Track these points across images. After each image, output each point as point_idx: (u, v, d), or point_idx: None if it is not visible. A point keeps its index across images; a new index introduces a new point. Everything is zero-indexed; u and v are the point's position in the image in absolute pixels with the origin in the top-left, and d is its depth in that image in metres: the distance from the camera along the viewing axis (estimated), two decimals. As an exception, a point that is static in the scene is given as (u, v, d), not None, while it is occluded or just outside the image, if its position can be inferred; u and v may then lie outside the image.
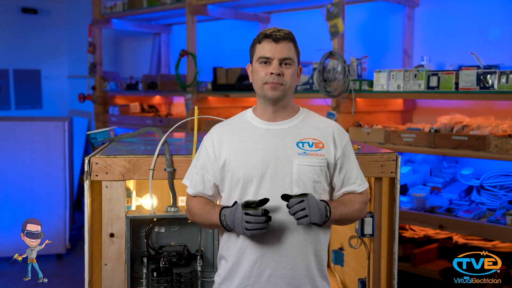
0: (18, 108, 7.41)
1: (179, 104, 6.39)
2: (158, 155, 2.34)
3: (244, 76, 4.81)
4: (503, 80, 3.22)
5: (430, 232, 4.03)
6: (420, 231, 4.08)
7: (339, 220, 1.90)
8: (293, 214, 1.77)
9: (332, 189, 1.98)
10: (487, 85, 3.28)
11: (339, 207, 1.88)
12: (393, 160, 2.40)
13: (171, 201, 2.40)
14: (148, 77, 5.90)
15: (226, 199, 1.94)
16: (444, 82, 3.47)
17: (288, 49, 1.89)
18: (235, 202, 1.87)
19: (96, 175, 2.30)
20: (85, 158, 2.29)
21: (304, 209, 1.75)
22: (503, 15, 3.94)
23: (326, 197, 1.94)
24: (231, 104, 5.32)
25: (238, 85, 4.78)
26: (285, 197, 1.79)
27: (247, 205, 1.77)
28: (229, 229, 1.85)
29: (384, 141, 3.77)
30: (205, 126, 4.93)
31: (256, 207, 1.76)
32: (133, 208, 2.85)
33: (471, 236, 3.79)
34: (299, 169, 1.87)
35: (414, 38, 4.38)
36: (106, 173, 2.30)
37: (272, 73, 1.87)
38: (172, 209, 2.38)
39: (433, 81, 3.52)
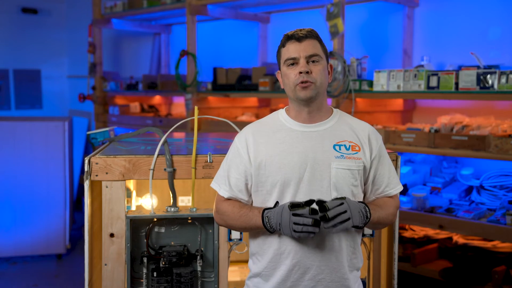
0: (18, 108, 7.42)
1: (179, 104, 6.39)
2: (158, 155, 2.34)
3: (244, 76, 4.81)
4: (503, 80, 3.22)
5: (430, 232, 4.03)
6: (420, 231, 4.08)
7: (377, 222, 1.85)
8: (333, 218, 1.68)
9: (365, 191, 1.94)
10: (487, 85, 3.28)
11: (377, 209, 1.83)
12: (393, 160, 2.40)
13: (171, 201, 2.40)
14: (148, 77, 5.90)
15: (261, 203, 1.89)
16: (444, 82, 3.47)
17: (313, 46, 1.84)
18: (277, 203, 1.82)
19: (96, 175, 2.30)
20: (85, 158, 2.29)
21: (345, 211, 1.68)
22: (503, 15, 3.94)
23: (361, 200, 1.91)
24: (231, 104, 5.32)
25: (238, 85, 4.78)
26: (320, 203, 1.71)
27: (294, 205, 1.71)
28: (272, 231, 1.80)
29: (384, 141, 3.76)
30: (205, 126, 4.93)
31: (304, 206, 1.70)
32: (133, 208, 2.85)
33: (471, 236, 3.79)
34: (337, 173, 1.82)
35: (414, 38, 4.38)
36: (106, 173, 2.30)
37: (301, 72, 1.82)
38: (172, 209, 2.38)
39: (433, 81, 3.52)
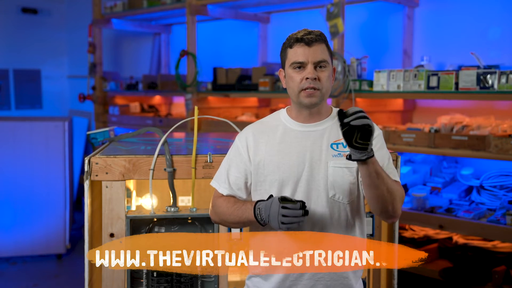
0: (18, 108, 7.41)
1: (179, 104, 6.39)
2: (158, 155, 2.34)
3: (244, 76, 4.81)
4: (503, 80, 3.22)
5: (430, 232, 4.03)
6: (420, 231, 4.08)
7: (379, 175, 1.70)
8: (351, 115, 1.62)
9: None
10: (487, 85, 3.28)
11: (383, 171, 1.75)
12: (393, 160, 2.39)
13: (171, 201, 2.40)
14: (148, 77, 5.90)
15: None
16: (444, 82, 3.47)
17: (321, 51, 1.82)
18: (271, 196, 1.80)
19: (96, 175, 2.30)
20: (85, 158, 2.29)
21: (363, 113, 1.63)
22: (503, 15, 3.94)
23: (361, 198, 1.89)
24: (231, 104, 5.32)
25: (238, 85, 4.78)
26: (341, 113, 1.64)
27: (284, 199, 1.71)
28: (263, 224, 1.77)
29: (384, 141, 3.77)
30: (205, 126, 4.93)
31: (294, 201, 1.70)
32: (133, 208, 2.85)
33: (471, 236, 3.79)
34: (335, 172, 1.82)
35: (414, 38, 4.38)
36: (106, 173, 2.30)
37: (307, 78, 1.80)
38: (172, 209, 2.38)
39: (433, 81, 3.52)
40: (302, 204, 1.70)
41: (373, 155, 1.68)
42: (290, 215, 1.68)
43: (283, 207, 1.68)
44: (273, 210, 1.71)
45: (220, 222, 1.96)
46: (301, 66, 1.82)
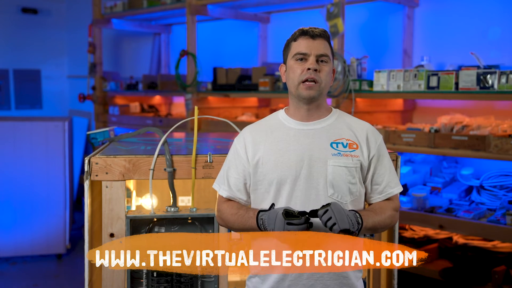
0: (18, 108, 7.42)
1: (179, 104, 6.39)
2: (158, 155, 2.34)
3: (244, 76, 4.81)
4: (503, 80, 3.22)
5: (430, 232, 4.03)
6: (420, 231, 4.08)
7: (372, 228, 1.84)
8: (325, 225, 1.72)
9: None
10: (487, 85, 3.28)
11: (371, 215, 1.82)
12: (393, 160, 2.40)
13: (171, 201, 2.40)
14: (148, 77, 5.91)
15: (259, 202, 1.90)
16: (444, 82, 3.47)
17: (324, 46, 1.86)
18: (272, 205, 1.82)
19: (96, 175, 2.30)
20: (85, 158, 2.29)
21: (330, 217, 1.69)
22: (503, 15, 3.94)
23: (362, 199, 1.91)
24: (231, 104, 5.32)
25: (238, 85, 4.78)
26: (313, 213, 1.74)
27: (288, 213, 1.71)
28: None
29: (384, 141, 3.76)
30: (205, 126, 4.93)
31: (298, 216, 1.71)
32: (133, 208, 2.85)
33: (471, 236, 3.79)
34: (334, 170, 1.82)
35: (414, 38, 4.38)
36: (106, 173, 2.30)
37: (309, 69, 1.82)
38: (172, 209, 2.38)
39: (433, 81, 3.52)
40: (306, 218, 1.71)
41: (361, 228, 1.76)
42: (296, 230, 1.69)
43: (288, 223, 1.69)
44: (278, 226, 1.71)
45: (226, 227, 1.98)
46: (303, 58, 1.85)
